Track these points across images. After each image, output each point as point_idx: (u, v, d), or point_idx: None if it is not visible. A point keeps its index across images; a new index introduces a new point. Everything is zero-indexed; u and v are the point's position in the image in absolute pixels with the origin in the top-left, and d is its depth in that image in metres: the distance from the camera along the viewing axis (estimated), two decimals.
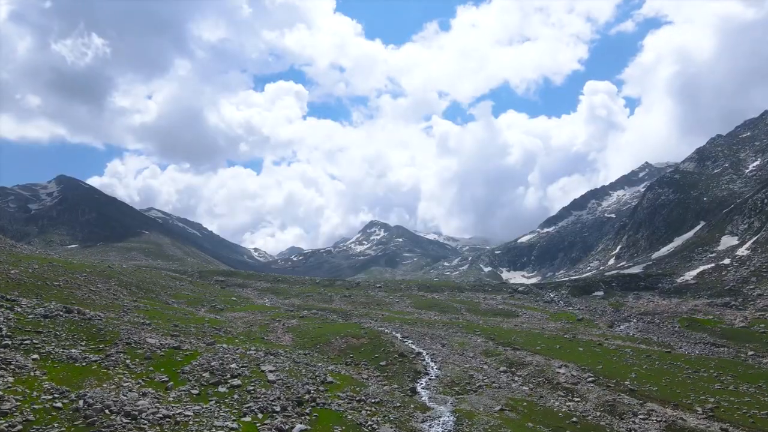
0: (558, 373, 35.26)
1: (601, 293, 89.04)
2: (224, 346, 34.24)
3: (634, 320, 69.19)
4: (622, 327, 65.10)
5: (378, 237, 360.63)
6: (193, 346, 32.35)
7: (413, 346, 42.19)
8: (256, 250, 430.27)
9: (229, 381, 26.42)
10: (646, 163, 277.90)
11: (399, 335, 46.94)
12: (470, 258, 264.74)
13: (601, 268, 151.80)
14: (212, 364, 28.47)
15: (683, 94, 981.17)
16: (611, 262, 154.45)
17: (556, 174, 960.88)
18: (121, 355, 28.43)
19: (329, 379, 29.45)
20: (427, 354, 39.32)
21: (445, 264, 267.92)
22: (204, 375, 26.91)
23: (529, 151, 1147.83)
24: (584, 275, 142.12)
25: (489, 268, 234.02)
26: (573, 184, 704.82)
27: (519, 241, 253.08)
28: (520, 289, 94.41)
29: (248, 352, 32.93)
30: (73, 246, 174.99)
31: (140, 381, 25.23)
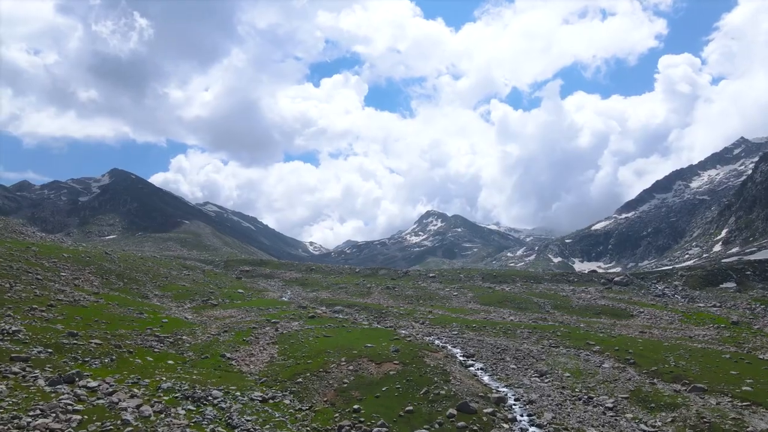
0: None
1: (733, 285, 66.01)
2: (88, 384, 16.44)
3: None
4: None
5: (435, 227, 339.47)
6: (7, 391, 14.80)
7: (485, 378, 22.47)
8: (311, 243, 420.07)
9: None
10: (742, 138, 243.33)
11: (458, 351, 27.50)
12: (537, 248, 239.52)
13: (705, 255, 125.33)
14: None
15: None
16: (717, 248, 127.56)
17: (631, 156, 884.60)
18: None
19: None
20: (516, 401, 19.28)
21: (509, 254, 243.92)
22: None
23: (600, 133, 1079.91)
24: (685, 264, 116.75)
25: (559, 259, 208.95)
26: (650, 166, 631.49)
27: (593, 228, 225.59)
28: (616, 279, 72.47)
29: (121, 404, 14.90)
30: (111, 237, 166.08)
31: None
